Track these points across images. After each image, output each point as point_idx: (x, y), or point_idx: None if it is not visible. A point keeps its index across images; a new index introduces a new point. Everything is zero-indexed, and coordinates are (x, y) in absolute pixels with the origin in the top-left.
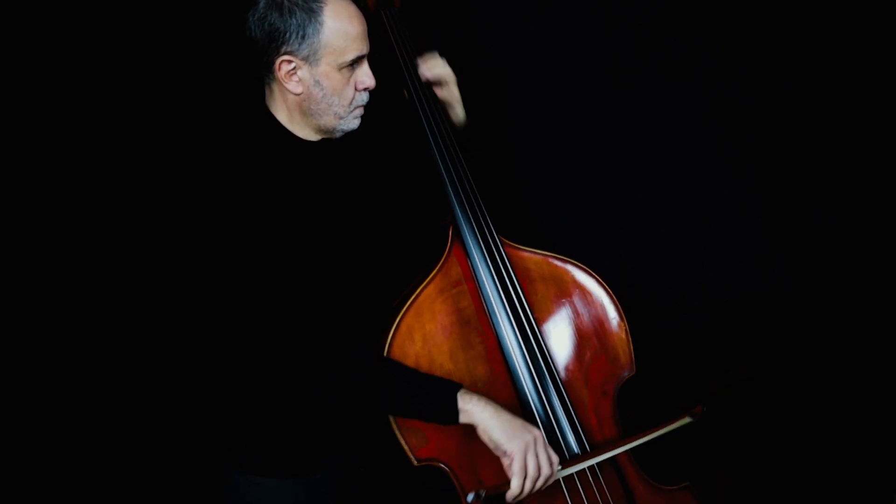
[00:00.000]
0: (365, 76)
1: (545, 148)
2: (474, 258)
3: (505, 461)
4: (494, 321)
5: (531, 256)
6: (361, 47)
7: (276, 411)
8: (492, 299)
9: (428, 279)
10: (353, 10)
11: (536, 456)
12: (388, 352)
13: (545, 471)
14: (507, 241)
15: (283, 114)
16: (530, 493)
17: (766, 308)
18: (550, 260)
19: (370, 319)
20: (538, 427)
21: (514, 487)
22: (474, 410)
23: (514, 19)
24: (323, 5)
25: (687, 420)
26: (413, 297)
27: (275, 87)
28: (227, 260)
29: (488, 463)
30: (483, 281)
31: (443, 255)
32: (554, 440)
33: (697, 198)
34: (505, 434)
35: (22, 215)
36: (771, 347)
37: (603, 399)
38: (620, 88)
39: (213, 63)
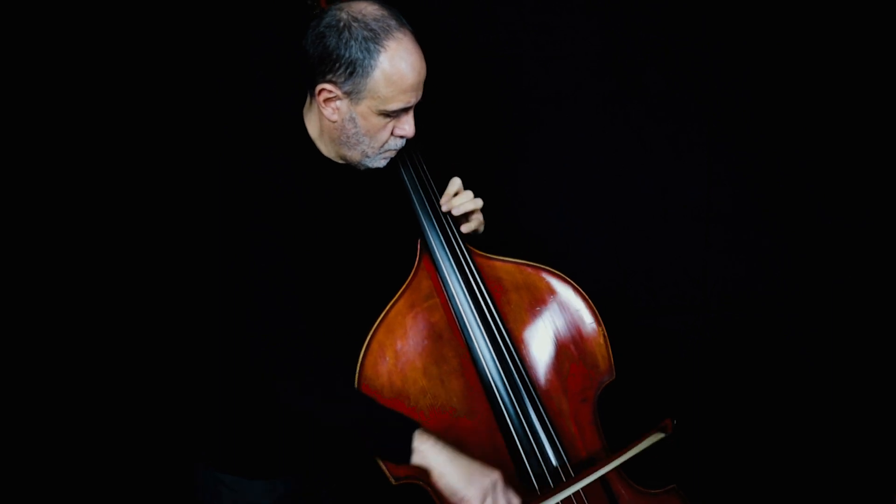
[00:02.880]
0: (406, 124)
1: (546, 148)
2: (443, 270)
3: None
4: (466, 334)
5: (503, 265)
6: (409, 99)
7: (255, 414)
8: (462, 311)
9: (397, 295)
10: (413, 60)
11: (495, 501)
12: (361, 371)
13: None
14: (476, 251)
15: (314, 128)
16: None
17: (766, 308)
18: (524, 268)
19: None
20: (499, 468)
21: None
22: (429, 453)
23: (514, 21)
24: (382, 49)
25: (659, 436)
26: (383, 313)
27: (314, 103)
28: (219, 257)
29: None
30: (453, 293)
31: (412, 267)
32: (531, 452)
33: (698, 198)
34: (461, 480)
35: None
36: (771, 347)
37: (583, 405)
38: (621, 89)
39: (266, 56)
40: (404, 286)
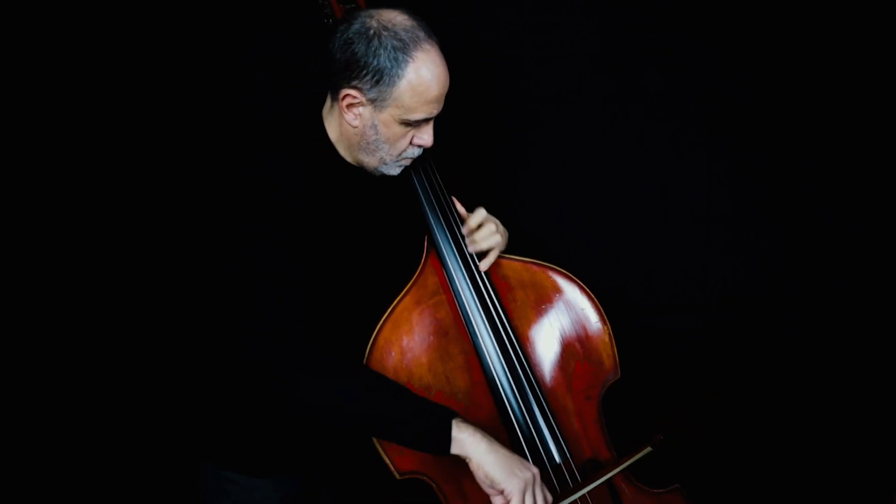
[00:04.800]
0: (425, 134)
1: (546, 148)
2: (449, 267)
3: (497, 500)
4: (471, 330)
5: (509, 263)
6: (432, 110)
7: (263, 413)
8: (468, 308)
9: (404, 291)
10: (438, 72)
11: (534, 496)
12: (367, 366)
13: None
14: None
15: (333, 131)
16: None
17: (766, 308)
18: (529, 266)
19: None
20: (531, 461)
21: None
22: (468, 442)
23: (514, 21)
24: (410, 60)
25: (648, 450)
26: (390, 309)
27: (335, 106)
28: (224, 255)
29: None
30: (459, 289)
31: (419, 265)
32: (535, 450)
33: (698, 198)
34: (502, 471)
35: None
36: (771, 347)
37: (587, 403)
38: (621, 89)
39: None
40: (411, 282)
